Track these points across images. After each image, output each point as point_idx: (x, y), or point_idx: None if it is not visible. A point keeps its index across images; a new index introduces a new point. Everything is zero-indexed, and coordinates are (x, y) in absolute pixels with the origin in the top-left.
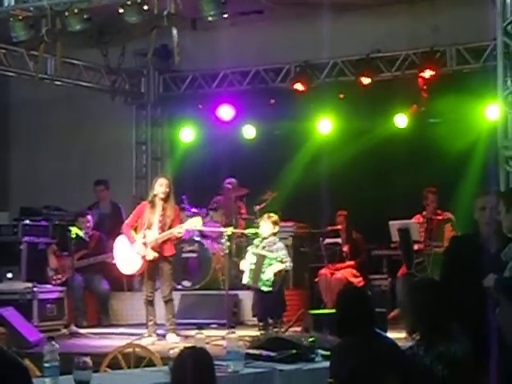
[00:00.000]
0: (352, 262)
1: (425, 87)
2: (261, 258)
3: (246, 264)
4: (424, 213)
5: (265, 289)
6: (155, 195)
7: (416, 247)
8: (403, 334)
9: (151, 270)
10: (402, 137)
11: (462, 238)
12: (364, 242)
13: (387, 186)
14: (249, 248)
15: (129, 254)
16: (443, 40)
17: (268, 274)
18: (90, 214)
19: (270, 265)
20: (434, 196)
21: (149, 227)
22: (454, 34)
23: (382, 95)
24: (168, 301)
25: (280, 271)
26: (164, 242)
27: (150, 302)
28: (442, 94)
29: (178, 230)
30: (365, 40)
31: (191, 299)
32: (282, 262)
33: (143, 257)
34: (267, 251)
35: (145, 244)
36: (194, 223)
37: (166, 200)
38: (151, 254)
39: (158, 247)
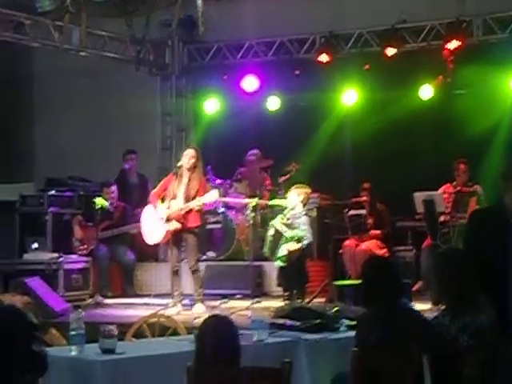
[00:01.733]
0: (377, 232)
1: (450, 58)
2: (278, 234)
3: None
4: (454, 183)
5: (280, 264)
6: (181, 166)
7: (442, 218)
8: (428, 306)
9: (176, 240)
10: (428, 108)
11: (483, 212)
12: (388, 213)
13: (412, 158)
14: (273, 221)
15: (154, 223)
16: (469, 10)
17: (283, 250)
18: (114, 185)
19: (286, 243)
20: (465, 167)
21: (174, 198)
22: (480, 4)
23: (408, 66)
24: (194, 271)
25: (295, 250)
26: (188, 212)
27: (175, 272)
28: (468, 65)
29: (196, 203)
30: (390, 10)
31: (216, 270)
32: (298, 241)
33: (167, 227)
34: (288, 225)
35: (168, 214)
36: (210, 197)
37: (192, 171)
38: (173, 225)
39: (182, 218)
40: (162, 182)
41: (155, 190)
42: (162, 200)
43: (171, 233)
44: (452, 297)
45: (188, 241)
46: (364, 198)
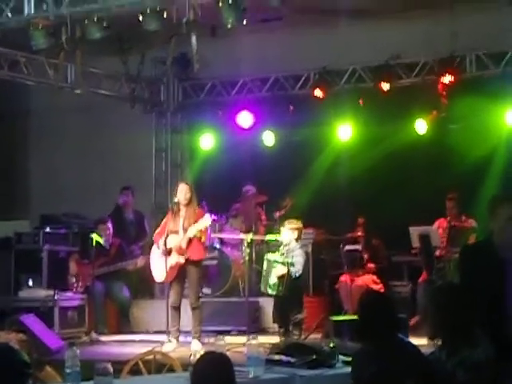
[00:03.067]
0: (372, 266)
1: (444, 93)
2: (270, 263)
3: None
4: (448, 218)
5: (271, 292)
6: (177, 202)
7: (437, 253)
8: (424, 341)
9: (179, 275)
10: (422, 143)
11: (473, 247)
12: (384, 248)
13: (407, 192)
14: (266, 255)
15: (159, 262)
16: (462, 46)
17: (272, 278)
18: (109, 221)
19: (274, 268)
20: (451, 202)
21: (175, 233)
22: (473, 40)
23: (402, 101)
24: (195, 308)
25: (283, 275)
26: (189, 245)
27: (175, 308)
28: (462, 100)
29: (192, 231)
30: (384, 46)
31: (212, 306)
32: (284, 265)
33: (168, 262)
34: (284, 258)
35: (170, 249)
36: (204, 222)
37: (187, 205)
38: (174, 259)
39: (185, 252)
40: (163, 222)
41: (158, 230)
42: (166, 238)
43: (175, 268)
44: (448, 331)
45: (191, 275)
46: (359, 234)
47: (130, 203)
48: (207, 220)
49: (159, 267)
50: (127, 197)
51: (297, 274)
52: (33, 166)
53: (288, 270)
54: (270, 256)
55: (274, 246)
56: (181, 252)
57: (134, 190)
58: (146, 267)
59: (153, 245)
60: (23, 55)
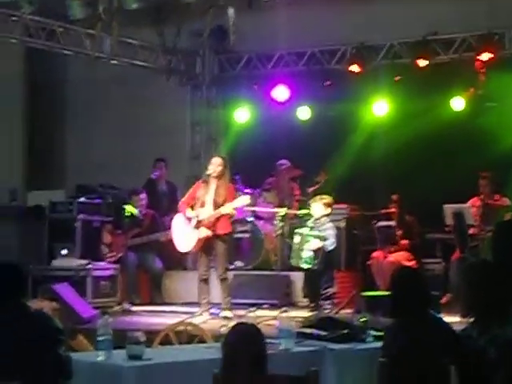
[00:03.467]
0: (405, 242)
1: (482, 70)
2: (302, 237)
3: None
4: (481, 196)
5: (305, 266)
6: (209, 174)
7: (471, 231)
8: (456, 318)
9: (206, 248)
10: (458, 120)
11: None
12: (417, 224)
13: (442, 170)
14: (297, 229)
15: (184, 231)
16: (501, 23)
17: (306, 252)
18: (144, 193)
19: (308, 242)
20: (484, 181)
21: (202, 205)
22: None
23: (439, 78)
24: (223, 280)
25: (319, 248)
26: (218, 219)
27: (204, 281)
28: (500, 78)
29: (226, 209)
30: (421, 22)
31: (244, 279)
32: (320, 239)
33: (197, 234)
34: (315, 231)
35: (198, 222)
36: (242, 201)
37: (219, 178)
38: (203, 232)
39: (212, 225)
40: (190, 191)
41: (184, 198)
42: (191, 208)
43: (202, 240)
44: (481, 309)
45: (218, 248)
46: (393, 210)
47: (163, 175)
48: (245, 200)
49: (184, 236)
50: (160, 170)
51: (331, 247)
52: (69, 136)
53: (323, 244)
54: (303, 230)
55: (307, 221)
56: (209, 225)
57: (168, 162)
58: None
59: (177, 213)
60: (60, 25)
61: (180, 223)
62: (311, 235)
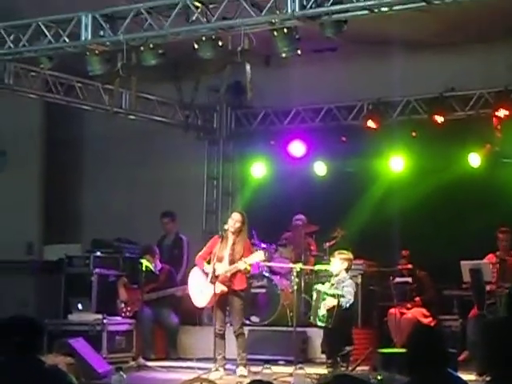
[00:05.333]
0: (417, 299)
1: (499, 127)
2: (319, 295)
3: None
4: (498, 253)
5: (320, 324)
6: (226, 229)
7: (488, 288)
8: (473, 377)
9: (221, 303)
10: (475, 176)
11: None
12: (429, 280)
13: (459, 226)
14: (316, 286)
15: (201, 286)
16: None
17: (322, 309)
18: (158, 248)
19: (324, 300)
20: (504, 236)
21: (220, 260)
22: None
23: (456, 134)
24: (239, 335)
25: (333, 307)
26: (234, 275)
27: (220, 336)
28: None
29: (242, 264)
30: (438, 78)
31: (259, 335)
32: (334, 297)
33: (213, 289)
34: (334, 288)
35: (215, 277)
36: (257, 257)
37: (237, 234)
38: (219, 287)
39: (228, 281)
40: (207, 245)
41: (201, 253)
42: (208, 263)
43: (217, 296)
44: (498, 368)
45: (233, 304)
46: (409, 266)
47: (172, 229)
48: (260, 256)
49: (200, 291)
50: (167, 224)
51: (347, 305)
52: (86, 190)
53: (338, 302)
54: (319, 287)
55: (324, 277)
56: (225, 281)
57: (183, 216)
58: None
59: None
60: (79, 80)
61: (196, 278)
62: (327, 293)
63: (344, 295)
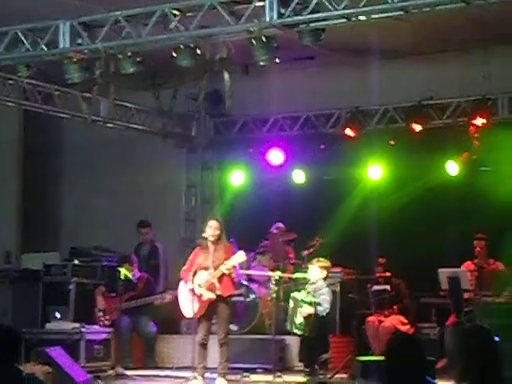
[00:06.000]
0: (395, 307)
1: (476, 135)
2: (296, 302)
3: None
4: (475, 260)
5: (297, 332)
6: (205, 238)
7: (466, 295)
8: None
9: (208, 311)
10: (453, 184)
11: None
12: (404, 287)
13: (437, 234)
14: (292, 293)
15: (188, 297)
16: (495, 88)
17: (298, 317)
18: (135, 256)
19: (300, 307)
20: (480, 243)
21: (205, 269)
22: (506, 82)
23: (433, 142)
24: (223, 344)
25: (310, 315)
26: (220, 280)
27: (203, 345)
28: (494, 142)
29: (225, 267)
30: (416, 87)
31: (238, 343)
32: (311, 305)
33: (199, 297)
34: (311, 296)
35: (200, 285)
36: (238, 258)
37: (216, 242)
38: (206, 295)
39: (215, 288)
40: (190, 258)
41: (185, 266)
42: (194, 274)
43: (205, 304)
44: (475, 375)
45: (220, 312)
46: (387, 274)
47: (148, 238)
48: (242, 256)
49: (188, 303)
50: (143, 235)
51: (324, 313)
52: (64, 198)
53: (315, 310)
54: (296, 295)
55: (302, 285)
56: (212, 288)
57: (162, 224)
58: (173, 302)
59: (180, 280)
60: (57, 88)
61: (183, 290)
62: (304, 301)
63: (321, 303)
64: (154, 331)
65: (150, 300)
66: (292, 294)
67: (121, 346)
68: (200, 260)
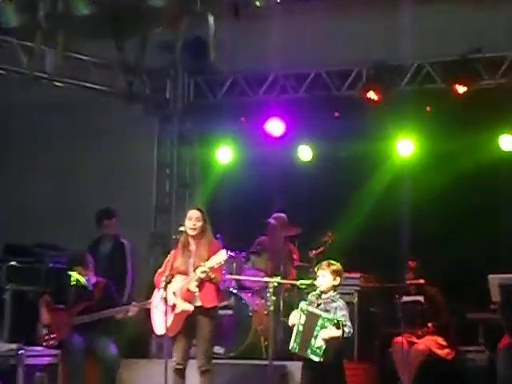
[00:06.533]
0: (431, 324)
1: None
2: (312, 318)
3: (292, 322)
4: None
5: (314, 358)
6: (184, 232)
7: None
8: None
9: (185, 327)
10: (508, 162)
11: None
12: (441, 297)
13: (486, 227)
14: (301, 304)
15: (162, 309)
16: None
17: (318, 340)
18: (92, 256)
19: (324, 328)
20: None
21: (184, 274)
22: None
23: (483, 108)
24: (205, 372)
25: (334, 338)
26: (202, 289)
27: (179, 372)
28: None
29: (201, 270)
30: (460, 37)
31: (225, 371)
32: (338, 326)
33: (173, 310)
34: (321, 310)
35: (174, 294)
36: (218, 259)
37: (199, 236)
38: (181, 306)
39: (193, 297)
40: (167, 259)
41: (160, 269)
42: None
43: (181, 318)
44: None
45: (201, 330)
46: (420, 281)
47: (109, 232)
48: (222, 256)
49: (160, 317)
50: (108, 226)
51: (349, 335)
52: None
53: (342, 333)
54: (311, 308)
55: (309, 294)
56: (189, 297)
57: (126, 215)
58: (140, 317)
59: (153, 288)
60: None
61: (157, 301)
62: (327, 318)
63: (344, 322)
64: (116, 354)
65: (110, 313)
66: (304, 306)
67: (71, 375)
68: (178, 262)
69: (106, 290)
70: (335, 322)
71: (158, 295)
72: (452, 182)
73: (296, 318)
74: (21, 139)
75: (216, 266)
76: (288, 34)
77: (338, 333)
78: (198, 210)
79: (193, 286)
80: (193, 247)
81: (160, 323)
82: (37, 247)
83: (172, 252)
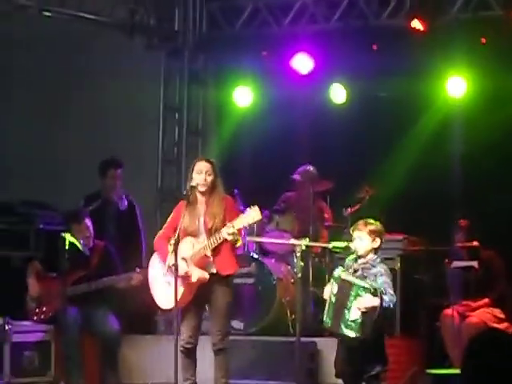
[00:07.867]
0: (485, 300)
1: None
2: (346, 287)
3: (327, 295)
4: None
5: (349, 333)
6: (193, 187)
7: None
8: None
9: (197, 299)
10: None
11: None
12: (502, 263)
13: None
14: (334, 271)
15: (166, 277)
16: None
17: (353, 311)
18: (88, 216)
19: (356, 298)
20: None
21: (193, 235)
22: None
23: None
24: (220, 351)
25: (373, 308)
26: (217, 253)
27: (188, 351)
28: None
29: (227, 231)
30: None
31: (245, 349)
32: (375, 294)
33: (184, 278)
34: (359, 277)
35: (185, 259)
36: (250, 217)
37: (209, 193)
38: (195, 274)
39: (207, 263)
40: (171, 217)
41: (162, 230)
42: (176, 243)
43: (193, 288)
44: None
45: (218, 299)
46: (474, 243)
47: (116, 188)
48: (255, 214)
49: (165, 288)
50: (115, 179)
51: (391, 305)
52: None
53: (381, 302)
54: (345, 275)
55: (342, 259)
56: (204, 263)
57: (127, 168)
58: (146, 286)
59: (153, 253)
60: None
61: (159, 267)
62: (363, 287)
63: (384, 290)
64: (116, 330)
65: (110, 282)
66: (337, 273)
67: (65, 353)
68: (186, 221)
69: (105, 254)
70: (372, 290)
71: (157, 263)
72: (510, 126)
73: (328, 290)
74: (9, 80)
75: (245, 227)
76: None
77: (376, 302)
78: (208, 161)
79: (209, 251)
80: (202, 206)
81: (166, 296)
82: (23, 205)
83: (175, 209)
